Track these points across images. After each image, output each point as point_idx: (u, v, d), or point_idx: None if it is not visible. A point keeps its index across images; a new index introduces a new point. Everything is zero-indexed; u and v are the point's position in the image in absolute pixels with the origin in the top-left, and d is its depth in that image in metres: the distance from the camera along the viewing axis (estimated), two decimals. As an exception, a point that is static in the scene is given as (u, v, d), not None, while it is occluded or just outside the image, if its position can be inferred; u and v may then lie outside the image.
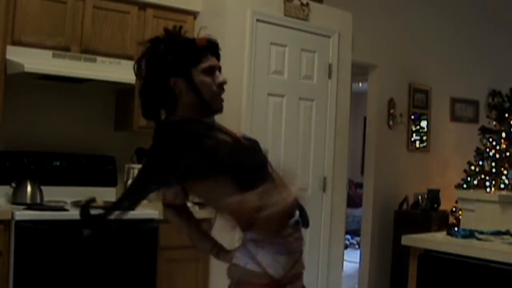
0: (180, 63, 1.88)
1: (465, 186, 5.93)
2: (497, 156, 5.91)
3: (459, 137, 6.39)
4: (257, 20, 4.09)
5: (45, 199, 3.65)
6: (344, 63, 4.60)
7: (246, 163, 1.86)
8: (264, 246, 1.91)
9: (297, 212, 1.97)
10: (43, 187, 3.65)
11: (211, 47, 1.98)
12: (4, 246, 3.23)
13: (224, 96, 1.98)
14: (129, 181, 4.18)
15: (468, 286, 2.87)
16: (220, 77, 1.92)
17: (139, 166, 4.20)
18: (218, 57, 1.99)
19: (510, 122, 5.98)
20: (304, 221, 1.99)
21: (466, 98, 6.57)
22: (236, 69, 4.00)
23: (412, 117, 5.98)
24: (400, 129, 5.87)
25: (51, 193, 3.75)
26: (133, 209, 2.01)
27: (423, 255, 3.09)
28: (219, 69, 1.96)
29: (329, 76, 4.50)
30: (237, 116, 3.94)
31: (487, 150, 5.98)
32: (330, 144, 4.54)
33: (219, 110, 1.94)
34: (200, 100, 1.89)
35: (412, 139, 6.00)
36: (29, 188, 3.59)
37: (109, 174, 4.12)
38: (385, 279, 5.72)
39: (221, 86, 1.93)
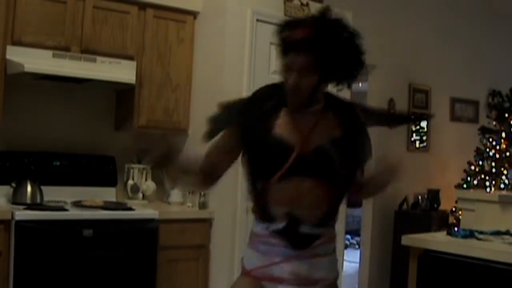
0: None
1: (465, 186, 5.93)
2: (497, 156, 5.92)
3: (459, 137, 6.38)
4: (257, 20, 4.08)
5: (45, 199, 3.65)
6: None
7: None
8: (249, 238, 2.09)
9: (281, 224, 1.97)
10: (43, 187, 3.65)
11: (300, 43, 1.88)
12: (4, 246, 3.23)
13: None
14: (129, 181, 4.18)
15: (468, 286, 2.87)
16: (289, 79, 1.92)
17: (139, 166, 4.21)
18: (314, 50, 1.88)
19: (510, 122, 5.99)
20: (290, 238, 1.98)
21: (466, 98, 6.57)
22: (236, 69, 4.00)
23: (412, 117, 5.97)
24: (400, 129, 5.86)
25: (51, 193, 3.75)
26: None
27: (423, 255, 3.08)
28: (300, 66, 1.89)
29: (329, 76, 4.50)
30: (237, 116, 3.94)
31: (487, 150, 5.99)
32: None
33: (290, 107, 1.98)
34: None
35: (412, 139, 6.00)
36: (29, 188, 3.59)
37: (109, 174, 4.12)
38: (385, 279, 5.71)
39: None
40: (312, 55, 1.87)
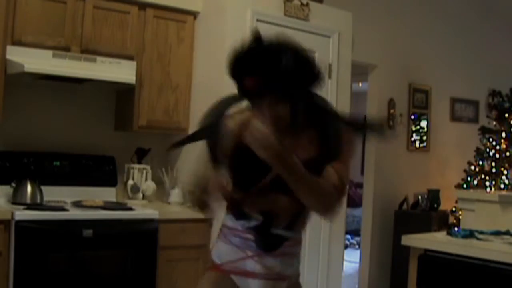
0: None
1: (465, 186, 5.94)
2: (497, 156, 5.93)
3: (459, 137, 6.39)
4: (257, 20, 4.08)
5: (45, 199, 3.65)
6: (344, 63, 4.60)
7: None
8: (220, 232, 2.12)
9: (254, 221, 1.98)
10: (43, 187, 3.65)
11: (256, 91, 1.88)
12: (4, 246, 3.23)
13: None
14: (129, 181, 4.18)
15: (468, 286, 2.87)
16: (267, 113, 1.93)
17: (139, 166, 4.21)
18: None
19: (510, 122, 6.00)
20: (260, 242, 1.99)
21: (466, 98, 6.57)
22: (236, 69, 4.00)
23: (412, 117, 5.98)
24: (400, 129, 5.87)
25: (51, 193, 3.75)
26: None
27: (423, 255, 3.09)
28: (269, 105, 1.91)
29: (329, 76, 4.50)
30: (237, 116, 3.94)
31: (487, 150, 6.00)
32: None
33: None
34: None
35: (412, 139, 6.00)
36: (29, 188, 3.59)
37: (109, 174, 4.12)
38: (385, 279, 5.72)
39: None
40: (274, 93, 1.87)
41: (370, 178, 5.73)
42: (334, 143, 1.95)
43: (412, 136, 6.00)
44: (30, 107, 3.92)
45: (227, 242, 2.06)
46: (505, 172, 5.85)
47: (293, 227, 2.03)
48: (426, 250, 3.08)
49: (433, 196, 5.75)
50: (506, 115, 6.09)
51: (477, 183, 5.90)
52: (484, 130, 6.12)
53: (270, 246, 2.00)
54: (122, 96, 4.17)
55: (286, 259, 2.04)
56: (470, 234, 3.15)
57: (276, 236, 2.00)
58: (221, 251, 2.08)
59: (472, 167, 6.03)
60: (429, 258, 3.05)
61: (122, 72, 3.84)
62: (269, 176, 1.90)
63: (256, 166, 1.87)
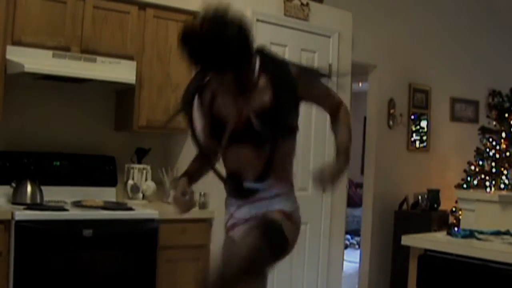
0: None
1: (465, 186, 5.94)
2: (497, 156, 5.93)
3: (459, 137, 6.39)
4: (257, 20, 4.08)
5: (45, 199, 3.65)
6: (344, 63, 4.60)
7: None
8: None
9: (231, 182, 2.37)
10: (43, 187, 3.65)
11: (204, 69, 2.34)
12: (4, 246, 3.23)
13: None
14: (129, 181, 4.18)
15: (468, 286, 2.87)
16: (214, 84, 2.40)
17: (139, 166, 4.21)
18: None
19: (510, 122, 6.00)
20: (237, 191, 2.35)
21: (466, 98, 6.57)
22: (236, 69, 4.00)
23: (412, 117, 5.98)
24: (400, 129, 5.87)
25: (51, 193, 3.75)
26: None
27: (423, 255, 3.09)
28: (213, 78, 2.33)
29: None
30: (237, 116, 3.94)
31: (487, 150, 6.00)
32: (330, 144, 4.53)
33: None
34: None
35: (412, 139, 6.00)
36: (29, 188, 3.59)
37: (109, 174, 4.12)
38: (385, 279, 5.72)
39: None
40: (217, 69, 2.19)
41: (370, 178, 5.73)
42: (284, 81, 2.25)
43: (412, 136, 6.00)
44: (30, 107, 3.92)
45: (227, 211, 2.45)
46: (505, 172, 5.86)
47: (262, 178, 2.29)
48: (426, 250, 3.08)
49: (433, 196, 5.75)
50: (506, 115, 6.10)
51: (477, 183, 5.90)
52: (484, 130, 6.12)
53: (244, 195, 2.33)
54: (122, 96, 4.17)
55: (261, 203, 2.32)
56: (470, 234, 3.15)
57: (247, 189, 2.31)
58: (224, 218, 2.46)
59: (472, 167, 6.03)
60: (429, 258, 3.05)
61: (122, 72, 3.84)
62: (227, 133, 2.28)
63: (217, 129, 2.32)
